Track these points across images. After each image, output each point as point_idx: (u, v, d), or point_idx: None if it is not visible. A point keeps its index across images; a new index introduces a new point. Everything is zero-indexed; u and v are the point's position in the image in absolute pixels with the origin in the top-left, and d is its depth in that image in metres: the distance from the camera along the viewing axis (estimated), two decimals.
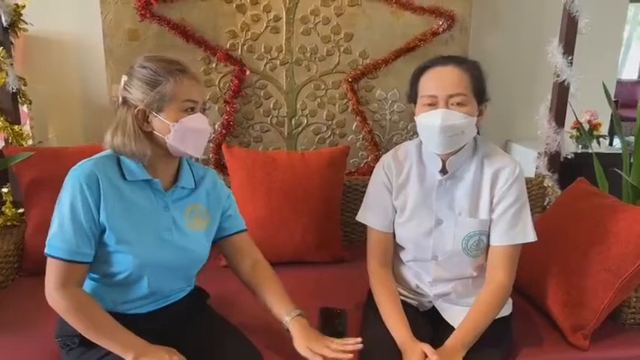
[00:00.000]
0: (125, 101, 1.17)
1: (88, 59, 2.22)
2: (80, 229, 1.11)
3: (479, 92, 1.27)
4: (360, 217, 1.44)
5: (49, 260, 1.13)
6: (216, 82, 2.13)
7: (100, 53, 2.05)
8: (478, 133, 1.36)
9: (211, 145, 2.16)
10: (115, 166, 1.18)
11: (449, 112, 1.23)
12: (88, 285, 1.21)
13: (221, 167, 2.16)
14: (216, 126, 2.16)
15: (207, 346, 1.22)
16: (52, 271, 1.12)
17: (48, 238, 1.13)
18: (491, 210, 1.31)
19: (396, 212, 1.40)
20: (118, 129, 1.16)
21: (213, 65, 2.11)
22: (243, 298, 1.60)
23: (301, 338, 1.19)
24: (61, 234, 1.11)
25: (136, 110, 1.15)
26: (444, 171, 1.33)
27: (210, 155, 2.18)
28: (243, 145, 2.19)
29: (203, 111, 1.22)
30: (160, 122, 1.16)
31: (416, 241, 1.36)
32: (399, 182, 1.38)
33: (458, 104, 1.23)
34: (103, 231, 1.14)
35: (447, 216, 1.33)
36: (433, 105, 1.25)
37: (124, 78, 1.19)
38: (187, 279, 1.32)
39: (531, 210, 2.01)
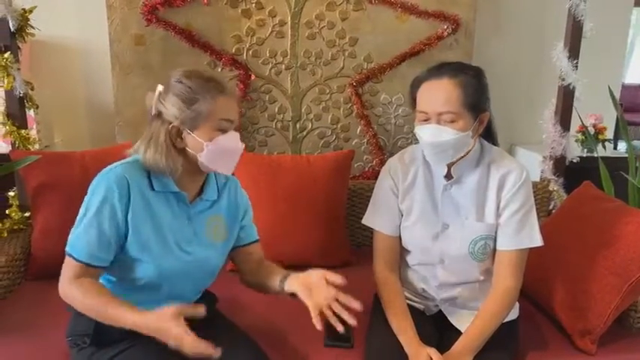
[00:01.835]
0: (159, 115, 1.16)
1: (95, 64, 2.23)
2: (103, 234, 1.11)
3: (473, 106, 1.24)
4: (367, 221, 1.44)
5: (68, 258, 1.13)
6: None
7: (106, 58, 2.06)
8: (486, 139, 1.36)
9: None
10: (144, 174, 1.17)
11: (439, 128, 1.23)
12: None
13: None
14: None
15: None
16: (69, 269, 1.12)
17: (71, 235, 1.13)
18: (498, 214, 1.31)
19: (402, 216, 1.39)
20: (150, 142, 1.15)
21: (219, 70, 2.11)
22: (251, 302, 1.61)
23: (305, 298, 1.17)
24: (85, 236, 1.11)
25: (170, 126, 1.14)
26: (449, 176, 1.33)
27: None
28: (248, 150, 2.19)
29: (238, 130, 1.22)
30: (193, 140, 1.15)
31: (422, 245, 1.36)
32: (405, 186, 1.38)
33: (449, 121, 1.23)
34: (126, 237, 1.14)
35: (454, 220, 1.33)
36: (427, 120, 1.26)
37: (159, 88, 1.18)
38: (201, 287, 1.33)
39: (537, 214, 2.01)
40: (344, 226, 1.90)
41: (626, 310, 1.47)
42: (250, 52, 2.12)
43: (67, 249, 1.13)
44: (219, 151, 1.16)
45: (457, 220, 1.32)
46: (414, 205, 1.37)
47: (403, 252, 1.43)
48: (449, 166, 1.32)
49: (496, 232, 1.31)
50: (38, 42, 2.13)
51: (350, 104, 2.21)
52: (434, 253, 1.35)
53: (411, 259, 1.41)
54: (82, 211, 1.14)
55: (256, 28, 2.10)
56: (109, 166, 1.16)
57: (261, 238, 1.76)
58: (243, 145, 1.23)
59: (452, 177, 1.32)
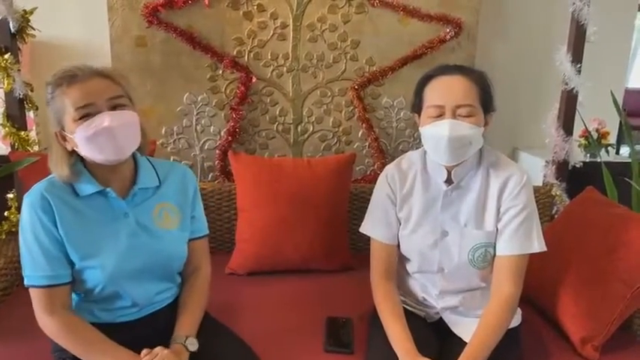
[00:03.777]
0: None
1: (95, 65, 2.21)
2: (49, 253, 1.11)
3: (486, 103, 1.26)
4: (364, 229, 1.42)
5: (31, 290, 1.13)
6: (223, 89, 2.12)
7: (107, 60, 2.05)
8: None
9: (217, 152, 2.16)
10: (66, 184, 1.16)
11: (456, 122, 1.21)
12: (76, 302, 1.21)
13: (226, 174, 2.15)
14: (222, 133, 2.15)
15: (204, 352, 1.19)
16: (36, 299, 1.13)
17: (22, 269, 1.14)
18: (498, 220, 1.29)
19: (400, 224, 1.38)
20: (50, 151, 1.16)
21: (220, 72, 2.11)
22: (248, 306, 1.59)
23: None
24: (32, 263, 1.12)
25: (54, 133, 1.14)
26: (449, 181, 1.31)
27: (216, 162, 2.17)
28: (249, 152, 2.18)
29: (114, 108, 1.11)
30: (69, 139, 1.12)
31: (421, 252, 1.34)
32: (403, 193, 1.36)
33: (465, 115, 1.22)
34: (66, 250, 1.13)
35: (453, 227, 1.31)
36: (440, 116, 1.23)
37: None
38: (169, 278, 1.30)
39: (539, 219, 1.99)
40: (345, 229, 1.89)
41: (630, 316, 1.45)
42: (252, 55, 2.11)
43: (25, 282, 1.14)
44: (86, 140, 1.09)
45: (456, 227, 1.30)
46: (413, 213, 1.35)
47: (403, 260, 1.41)
48: (449, 171, 1.30)
49: (496, 239, 1.29)
50: (38, 43, 2.12)
51: (351, 107, 2.20)
52: (433, 261, 1.33)
53: (410, 267, 1.39)
54: (20, 240, 1.14)
55: (258, 31, 2.09)
56: (31, 188, 1.16)
57: (262, 242, 1.77)
58: (129, 119, 1.13)
59: (452, 182, 1.31)
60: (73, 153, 1.15)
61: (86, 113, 1.09)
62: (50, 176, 1.17)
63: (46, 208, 1.11)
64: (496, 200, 1.29)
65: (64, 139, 1.13)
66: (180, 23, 2.04)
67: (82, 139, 1.10)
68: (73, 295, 1.20)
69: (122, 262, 1.16)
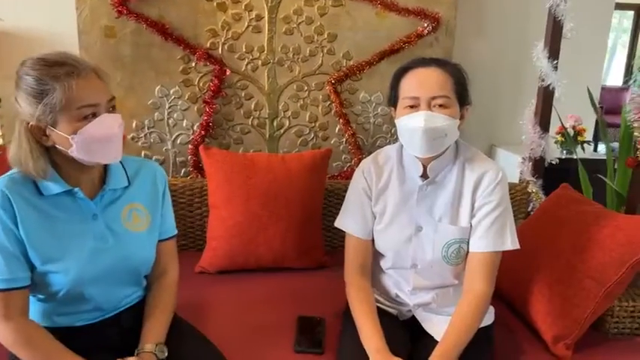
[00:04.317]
0: (19, 115, 1.05)
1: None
2: (7, 253, 1.04)
3: (461, 95, 1.24)
4: (339, 224, 1.40)
5: None
6: (196, 82, 2.07)
7: (74, 50, 1.98)
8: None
9: (190, 146, 2.11)
10: (28, 182, 1.08)
11: (432, 114, 1.19)
12: (34, 305, 1.13)
13: (199, 169, 2.10)
14: (195, 127, 2.10)
15: (169, 356, 1.15)
16: None
17: None
18: (472, 216, 1.27)
19: (375, 219, 1.35)
20: (16, 147, 1.05)
21: (193, 64, 2.05)
22: (218, 306, 1.55)
23: None
24: None
25: (29, 126, 1.03)
26: (424, 176, 1.29)
27: (189, 157, 2.12)
28: (223, 147, 2.13)
29: (112, 109, 1.08)
30: (58, 136, 1.03)
31: (395, 248, 1.31)
32: (378, 187, 1.34)
33: (440, 106, 1.20)
34: (27, 252, 1.06)
35: (427, 222, 1.29)
36: (415, 107, 1.21)
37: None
38: (136, 283, 1.25)
39: (515, 216, 1.97)
40: (319, 227, 1.86)
41: (603, 315, 1.44)
42: (226, 47, 2.06)
43: None
44: (89, 142, 1.04)
45: (431, 222, 1.28)
46: (388, 207, 1.33)
47: (377, 256, 1.38)
48: (424, 165, 1.28)
49: (470, 235, 1.27)
50: (2, 33, 2.04)
51: (328, 102, 2.16)
52: (407, 257, 1.31)
53: (384, 263, 1.37)
54: None
55: (232, 22, 2.04)
56: None
57: (234, 240, 1.73)
58: (122, 123, 1.10)
59: (428, 176, 1.28)
60: (48, 149, 1.08)
61: (92, 113, 1.04)
62: (11, 172, 1.09)
63: (6, 205, 1.04)
64: (471, 196, 1.27)
65: (44, 133, 1.05)
66: (151, 13, 1.97)
67: (83, 141, 1.03)
68: (34, 301, 1.14)
69: (87, 267, 1.10)
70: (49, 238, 1.08)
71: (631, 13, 6.75)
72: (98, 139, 1.05)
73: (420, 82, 1.21)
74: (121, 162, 1.20)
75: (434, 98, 1.20)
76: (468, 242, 1.28)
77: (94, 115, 1.04)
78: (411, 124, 1.20)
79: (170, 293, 1.27)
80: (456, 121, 1.22)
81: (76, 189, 1.10)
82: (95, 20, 1.96)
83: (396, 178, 1.33)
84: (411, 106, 1.22)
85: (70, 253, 1.09)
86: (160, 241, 1.27)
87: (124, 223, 1.17)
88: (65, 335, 1.10)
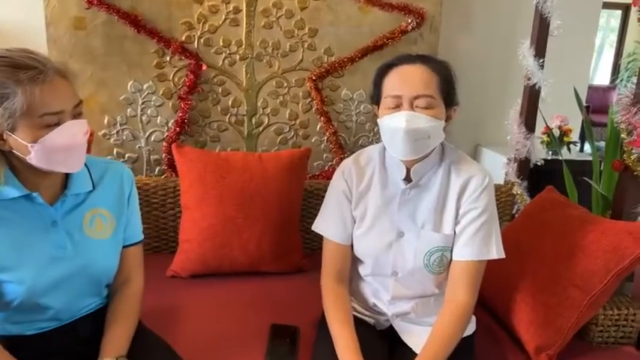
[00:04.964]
0: None
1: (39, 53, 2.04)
2: None
3: (447, 95, 1.16)
4: (317, 227, 1.33)
5: None
6: (170, 77, 1.98)
7: (42, 43, 1.88)
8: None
9: (164, 144, 2.02)
10: None
11: (414, 114, 1.12)
12: None
13: (174, 168, 2.01)
14: (170, 124, 2.02)
15: None
16: None
17: None
18: (457, 222, 1.21)
19: (354, 223, 1.28)
20: None
21: (167, 58, 1.97)
22: (187, 314, 1.48)
23: None
24: None
25: None
26: (407, 179, 1.22)
27: (163, 155, 2.03)
28: (199, 145, 2.05)
29: (78, 115, 1.02)
30: (15, 142, 0.96)
31: (375, 254, 1.25)
32: (359, 190, 1.27)
33: (424, 107, 1.13)
34: None
35: (409, 228, 1.22)
36: (397, 107, 1.14)
37: None
38: (97, 293, 1.18)
39: (499, 218, 1.92)
40: (298, 229, 1.79)
41: (587, 323, 1.39)
42: (202, 41, 1.97)
43: None
44: (49, 151, 0.97)
45: (413, 228, 1.22)
46: (368, 211, 1.26)
47: (356, 262, 1.32)
48: (408, 168, 1.21)
49: (454, 243, 1.21)
50: None
51: (309, 99, 2.09)
52: (387, 264, 1.24)
53: (363, 270, 1.30)
54: None
55: (209, 15, 1.96)
56: None
57: (206, 243, 1.65)
58: (88, 130, 1.04)
59: (411, 180, 1.22)
60: (4, 152, 1.00)
61: (54, 121, 0.97)
62: None
63: None
64: (455, 202, 1.21)
65: (1, 137, 0.97)
66: (123, 4, 1.88)
67: (44, 148, 0.96)
68: None
69: (43, 276, 1.03)
70: (4, 245, 1.00)
71: (619, 12, 6.77)
72: (60, 149, 0.99)
73: (403, 80, 1.14)
74: (86, 164, 1.13)
75: (417, 97, 1.13)
76: (452, 250, 1.21)
77: (58, 123, 0.97)
78: (393, 124, 1.14)
79: (133, 303, 1.20)
80: (441, 123, 1.15)
81: (35, 194, 1.03)
82: (64, 11, 1.87)
83: (377, 180, 1.26)
84: (394, 106, 1.15)
85: (26, 261, 1.02)
86: (124, 247, 1.20)
87: (85, 230, 1.10)
88: (16, 344, 1.04)
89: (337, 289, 1.27)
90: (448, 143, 1.25)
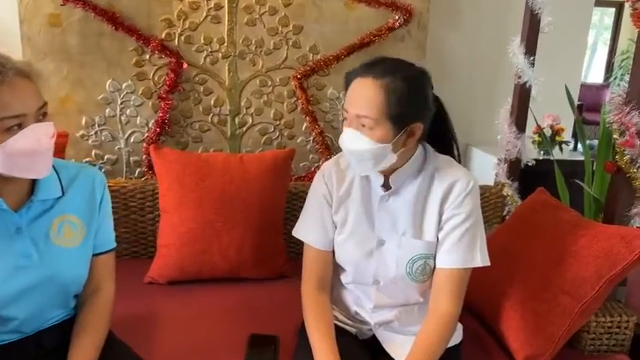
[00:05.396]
0: None
1: (2, 47, 1.96)
2: None
3: (399, 115, 1.05)
4: (297, 233, 1.27)
5: None
6: (150, 76, 1.92)
7: (15, 40, 1.82)
8: (441, 150, 1.20)
9: (144, 145, 1.96)
10: None
11: (356, 134, 1.08)
12: None
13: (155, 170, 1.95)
14: (150, 124, 1.95)
15: None
16: None
17: None
18: (439, 229, 1.15)
19: (335, 228, 1.23)
20: None
21: (147, 57, 1.91)
22: (159, 319, 1.42)
23: None
24: None
25: None
26: (386, 186, 1.17)
27: (144, 157, 1.97)
28: (181, 146, 1.99)
29: (43, 115, 0.96)
30: None
31: (355, 262, 1.19)
32: (339, 194, 1.21)
33: (368, 127, 1.06)
34: None
35: (390, 236, 1.16)
36: (349, 122, 1.10)
37: None
38: (64, 304, 1.12)
39: (490, 220, 1.87)
40: (281, 233, 1.73)
41: (578, 331, 1.34)
42: (182, 38, 1.91)
43: None
44: (10, 156, 0.92)
45: (394, 236, 1.16)
46: (349, 217, 1.20)
47: (337, 269, 1.26)
48: (386, 175, 1.15)
49: (437, 250, 1.16)
50: None
51: (294, 99, 2.03)
52: (368, 272, 1.18)
53: (344, 278, 1.24)
54: None
55: (189, 12, 1.90)
56: None
57: (185, 248, 1.59)
58: (54, 133, 0.98)
59: (390, 187, 1.16)
60: None
61: (18, 124, 0.91)
62: None
63: None
64: (438, 207, 1.15)
65: None
66: (100, 1, 1.82)
67: (4, 154, 0.91)
68: None
69: (7, 286, 0.98)
70: None
71: (612, 10, 6.74)
72: (23, 154, 0.93)
73: (352, 97, 1.09)
74: (55, 169, 1.07)
75: (358, 117, 1.07)
76: (435, 258, 1.16)
77: (20, 127, 0.92)
78: (341, 139, 1.11)
79: (103, 313, 1.13)
80: (383, 146, 1.06)
81: (0, 200, 0.97)
82: (38, 7, 1.81)
83: (358, 185, 1.20)
84: (346, 120, 1.11)
85: None
86: (94, 255, 1.13)
87: (53, 238, 1.04)
88: None
89: (318, 297, 1.21)
90: (432, 148, 1.20)
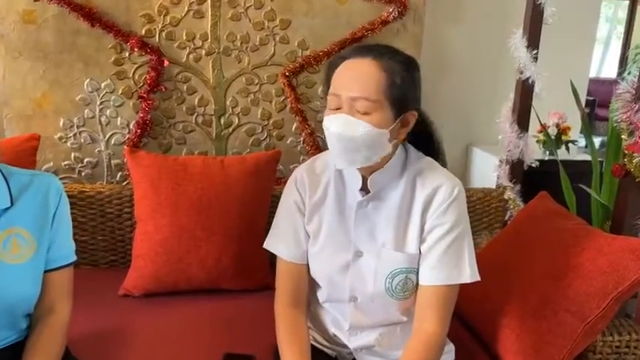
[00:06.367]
0: None
1: None
2: None
3: (399, 99, 0.97)
4: (268, 245, 1.17)
5: None
6: (130, 74, 1.82)
7: None
8: (427, 153, 1.09)
9: (125, 147, 1.86)
10: None
11: (352, 119, 0.96)
12: None
13: None
14: (131, 125, 1.86)
15: None
16: None
17: None
18: (422, 240, 1.04)
19: (309, 238, 1.12)
20: None
21: (126, 54, 1.80)
22: (130, 335, 1.32)
23: None
24: None
25: None
26: (365, 190, 1.06)
27: (125, 159, 1.87)
28: (164, 148, 1.90)
29: None
30: None
31: (329, 276, 1.09)
32: (313, 202, 1.11)
33: (363, 111, 0.96)
34: None
35: (368, 247, 1.06)
36: (338, 108, 0.98)
37: None
38: (11, 326, 1.02)
39: (491, 226, 1.74)
40: (263, 241, 1.61)
41: (584, 351, 1.22)
42: (163, 34, 1.81)
43: None
44: None
45: (372, 247, 1.05)
46: (323, 226, 1.10)
47: (314, 285, 1.15)
48: (364, 178, 1.04)
49: (419, 264, 1.04)
50: None
51: (283, 97, 1.92)
52: (344, 288, 1.08)
53: (320, 295, 1.14)
54: None
55: (170, 7, 1.79)
56: None
57: (160, 258, 1.49)
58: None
59: (369, 191, 1.05)
60: None
61: None
62: None
63: None
64: (420, 216, 1.04)
65: None
66: None
67: None
68: None
69: None
70: None
71: (626, 3, 6.54)
72: None
73: (345, 79, 0.98)
74: (4, 176, 0.98)
75: (354, 99, 0.96)
76: (417, 272, 1.05)
77: None
78: (328, 127, 0.99)
79: (56, 335, 1.04)
80: (382, 132, 0.97)
81: None
82: (11, 3, 1.71)
83: (333, 191, 1.10)
84: (335, 107, 0.99)
85: None
86: (47, 271, 1.03)
87: None
88: None
89: (292, 315, 1.11)
90: (413, 148, 1.08)
